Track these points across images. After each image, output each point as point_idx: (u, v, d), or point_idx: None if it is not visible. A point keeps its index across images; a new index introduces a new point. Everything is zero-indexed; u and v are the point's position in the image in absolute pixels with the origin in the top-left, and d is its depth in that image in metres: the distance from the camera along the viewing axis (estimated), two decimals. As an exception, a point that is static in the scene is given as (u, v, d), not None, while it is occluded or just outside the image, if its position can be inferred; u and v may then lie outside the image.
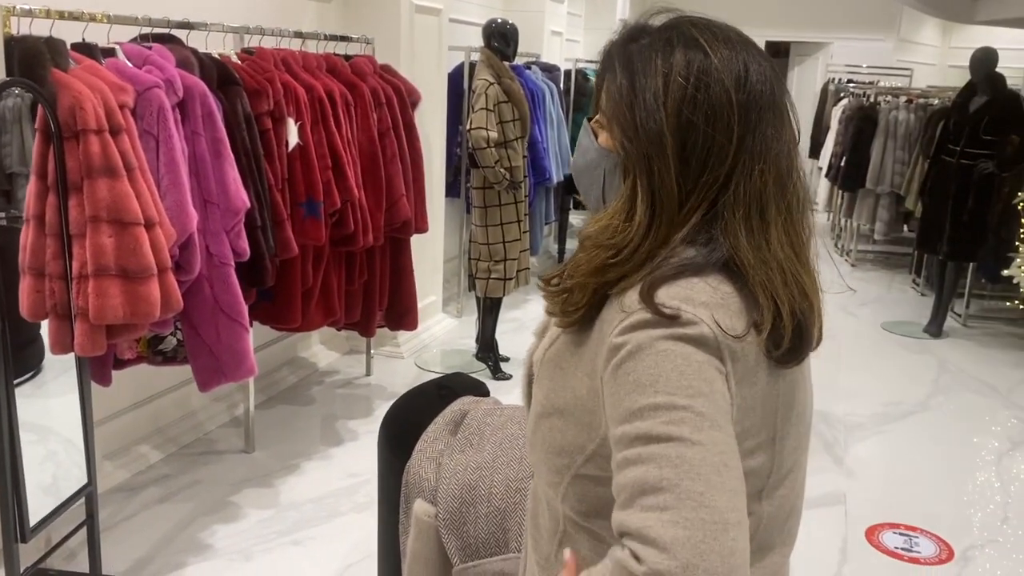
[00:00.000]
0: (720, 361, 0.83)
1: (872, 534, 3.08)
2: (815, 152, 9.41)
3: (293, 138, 3.13)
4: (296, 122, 3.14)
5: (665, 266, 0.87)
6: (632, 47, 0.92)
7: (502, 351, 4.58)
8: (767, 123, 0.88)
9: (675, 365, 0.81)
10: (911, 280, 6.99)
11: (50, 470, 2.45)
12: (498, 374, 4.41)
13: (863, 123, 7.01)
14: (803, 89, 10.88)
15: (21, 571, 2.27)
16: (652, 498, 0.76)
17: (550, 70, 5.98)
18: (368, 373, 4.38)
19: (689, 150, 0.86)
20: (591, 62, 7.73)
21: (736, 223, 0.87)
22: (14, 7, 2.24)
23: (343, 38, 3.86)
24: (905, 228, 7.15)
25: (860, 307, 6.25)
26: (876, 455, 3.78)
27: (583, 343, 0.94)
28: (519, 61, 5.15)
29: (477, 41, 4.47)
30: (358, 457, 3.42)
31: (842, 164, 7.28)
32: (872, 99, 7.39)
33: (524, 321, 5.34)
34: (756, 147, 0.87)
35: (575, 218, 8.11)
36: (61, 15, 2.41)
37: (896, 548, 3.00)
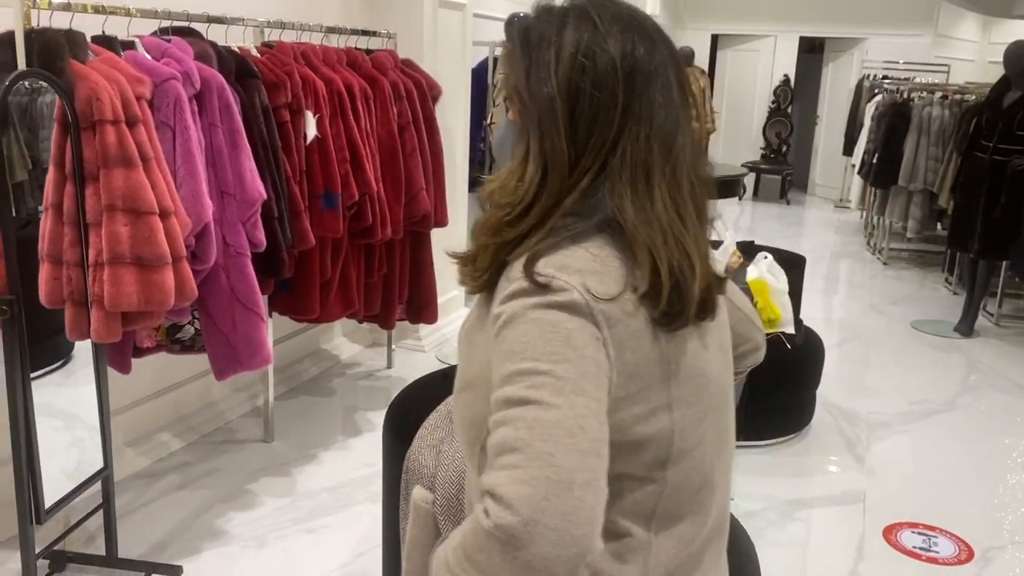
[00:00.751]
0: (595, 327, 0.87)
1: (890, 533, 3.03)
2: (849, 149, 9.29)
3: (311, 131, 3.16)
4: (315, 115, 3.17)
5: (552, 236, 0.91)
6: (532, 24, 0.98)
7: (523, 345, 4.58)
8: (655, 91, 0.93)
9: (542, 332, 0.85)
10: (944, 279, 6.87)
11: (75, 456, 2.50)
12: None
13: (895, 120, 6.90)
14: (838, 86, 10.73)
15: (36, 552, 2.32)
16: (507, 457, 0.81)
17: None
18: (389, 366, 4.41)
19: (577, 114, 0.92)
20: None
21: (623, 185, 0.92)
22: (34, 0, 2.29)
23: (365, 32, 3.88)
24: (938, 226, 7.03)
25: (890, 305, 6.16)
26: (899, 454, 3.73)
27: (486, 316, 0.97)
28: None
29: (502, 36, 4.47)
30: (376, 448, 3.44)
31: (874, 161, 7.17)
32: (905, 95, 7.27)
33: (547, 316, 5.33)
34: (642, 113, 0.92)
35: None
36: (90, 8, 2.46)
37: (914, 548, 2.95)
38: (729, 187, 6.69)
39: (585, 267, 0.88)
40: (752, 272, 3.81)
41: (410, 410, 2.03)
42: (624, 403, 0.89)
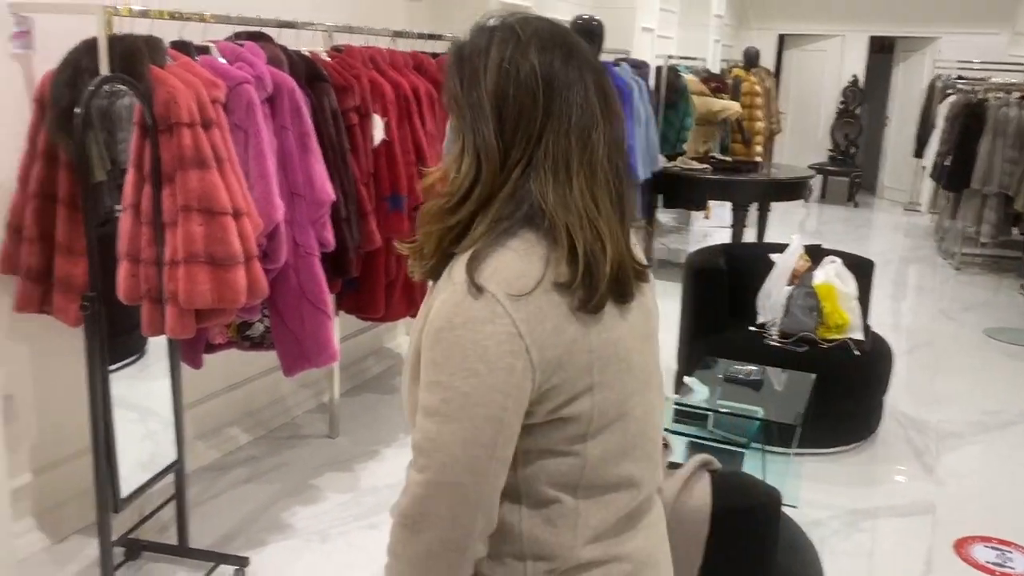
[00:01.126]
0: (518, 335, 1.00)
1: (961, 547, 2.95)
2: (920, 151, 9.05)
3: (379, 134, 3.21)
4: (382, 118, 3.22)
5: (490, 233, 1.04)
6: (466, 41, 1.11)
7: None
8: (573, 94, 1.06)
9: (461, 349, 1.00)
10: (1019, 285, 6.65)
11: (149, 448, 2.58)
12: (578, 370, 4.41)
13: (970, 121, 6.70)
14: (909, 87, 10.46)
15: (113, 539, 2.41)
16: (416, 460, 1.03)
17: (639, 67, 5.94)
18: (450, 365, 4.44)
19: (505, 114, 1.05)
20: (685, 58, 7.64)
21: (546, 173, 1.05)
22: (116, 7, 2.38)
23: (432, 36, 3.93)
24: (1014, 230, 6.80)
25: (963, 312, 5.99)
26: (971, 465, 3.62)
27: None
28: (608, 58, 5.13)
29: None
30: (436, 447, 3.49)
31: (947, 163, 6.98)
32: (980, 96, 7.05)
33: (608, 318, 5.31)
34: (561, 112, 1.06)
35: (664, 216, 8.04)
36: (166, 15, 2.54)
37: (987, 563, 2.87)
38: (795, 189, 6.56)
39: (511, 271, 1.01)
40: (819, 276, 3.75)
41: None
42: (551, 393, 1.03)
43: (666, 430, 2.63)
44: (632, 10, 6.61)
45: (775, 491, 1.90)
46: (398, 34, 3.72)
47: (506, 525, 1.07)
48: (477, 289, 1.00)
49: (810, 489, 3.25)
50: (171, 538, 2.74)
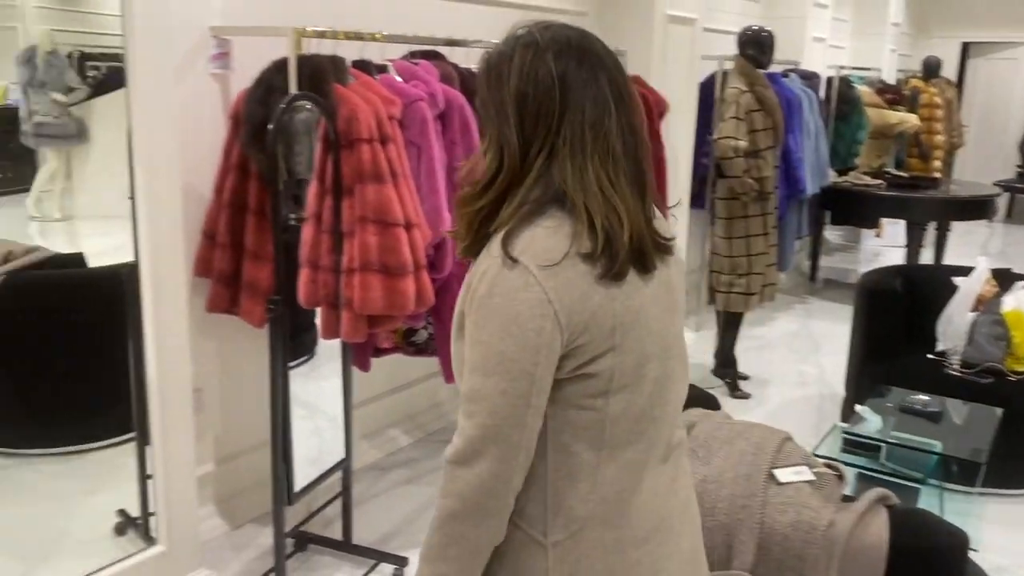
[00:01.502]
0: (547, 302, 1.12)
1: None
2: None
3: (543, 147, 3.24)
4: (546, 132, 3.25)
5: (520, 211, 1.17)
6: (495, 50, 1.23)
7: (743, 369, 4.44)
8: (587, 91, 1.19)
9: (499, 313, 1.13)
10: None
11: (316, 444, 2.72)
12: (736, 392, 4.29)
13: None
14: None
15: (286, 530, 2.55)
16: (465, 406, 1.17)
17: (809, 77, 5.72)
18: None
19: (525, 111, 1.18)
20: (857, 68, 7.30)
21: (565, 160, 1.17)
22: (305, 28, 2.53)
23: (596, 50, 3.93)
24: None
25: None
26: None
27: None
28: (776, 69, 4.98)
29: (732, 50, 4.38)
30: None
31: None
32: None
33: (769, 339, 5.14)
34: (576, 106, 1.18)
35: (831, 233, 7.70)
36: (342, 35, 2.68)
37: None
38: (978, 207, 6.12)
39: (540, 246, 1.14)
40: (1009, 303, 3.48)
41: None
42: (577, 351, 1.15)
43: (837, 460, 2.52)
44: (802, 20, 6.39)
45: (961, 532, 1.78)
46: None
47: (532, 476, 1.19)
48: (512, 261, 1.13)
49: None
50: (335, 533, 2.86)
